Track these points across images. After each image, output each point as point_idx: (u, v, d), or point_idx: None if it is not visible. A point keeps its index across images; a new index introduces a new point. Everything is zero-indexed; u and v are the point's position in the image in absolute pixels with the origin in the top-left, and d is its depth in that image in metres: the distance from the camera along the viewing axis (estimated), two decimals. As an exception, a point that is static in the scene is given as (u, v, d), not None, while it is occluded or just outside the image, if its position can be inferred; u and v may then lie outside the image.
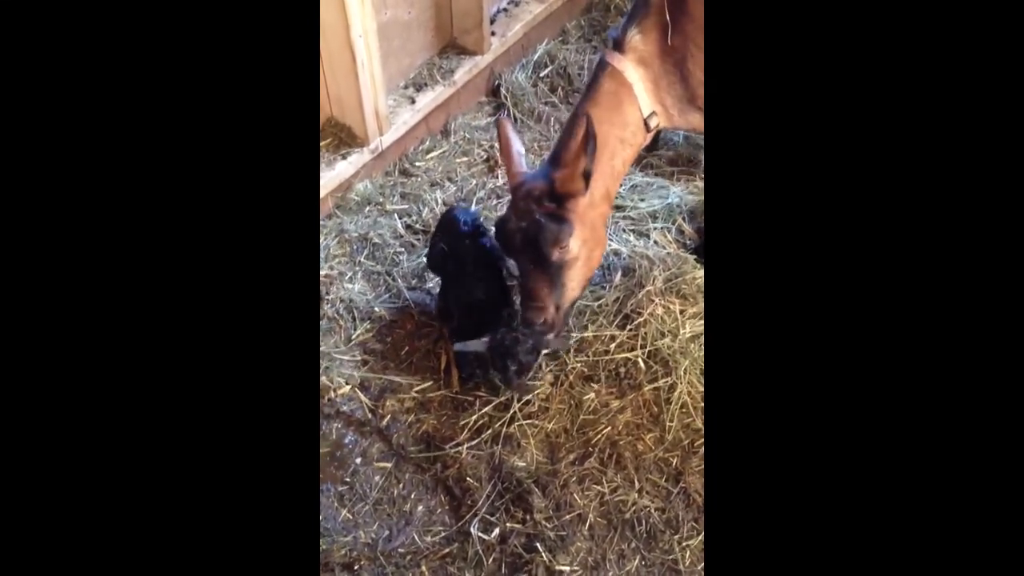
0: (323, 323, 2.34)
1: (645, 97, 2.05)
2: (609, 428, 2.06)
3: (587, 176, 1.87)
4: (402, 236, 2.58)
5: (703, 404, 2.03)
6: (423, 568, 1.89)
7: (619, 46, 2.04)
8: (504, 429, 2.07)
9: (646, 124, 2.07)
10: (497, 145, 2.03)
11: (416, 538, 1.95)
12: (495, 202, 2.67)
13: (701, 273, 2.23)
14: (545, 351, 2.09)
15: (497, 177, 2.74)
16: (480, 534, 1.92)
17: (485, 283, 2.13)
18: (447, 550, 1.92)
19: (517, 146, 2.03)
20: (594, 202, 1.96)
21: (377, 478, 2.05)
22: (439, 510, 2.01)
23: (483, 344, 1.97)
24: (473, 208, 2.57)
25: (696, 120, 2.15)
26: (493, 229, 2.06)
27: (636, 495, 1.95)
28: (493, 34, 2.96)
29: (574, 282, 1.99)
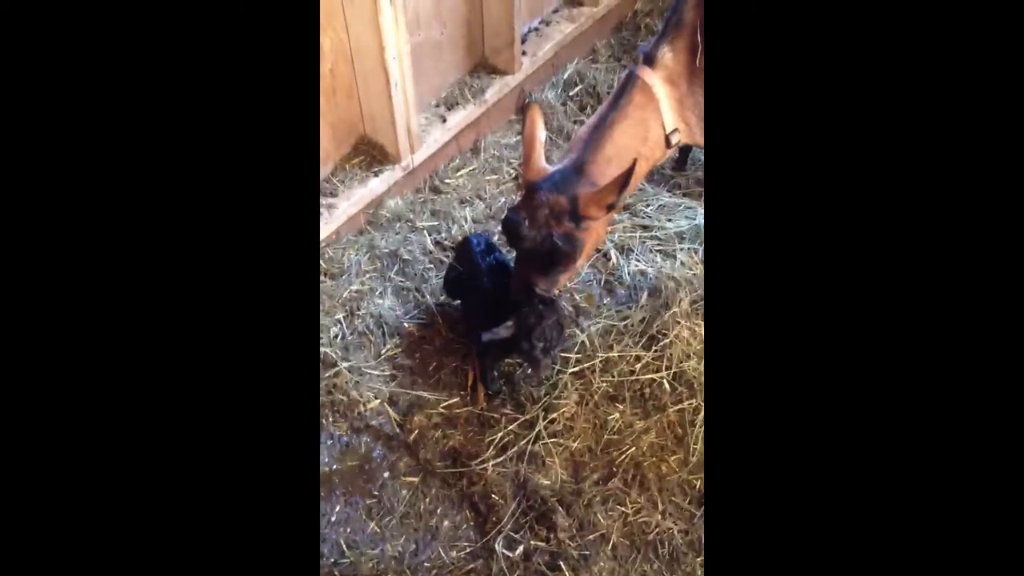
0: (353, 338, 2.39)
1: (670, 114, 2.08)
2: (633, 449, 2.08)
3: (611, 208, 1.90)
4: (431, 252, 2.63)
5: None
6: (448, 583, 1.93)
7: (650, 61, 2.08)
8: (529, 447, 2.10)
9: (667, 140, 2.10)
10: (521, 135, 2.01)
11: (442, 553, 1.98)
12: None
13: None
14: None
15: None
16: (504, 551, 1.96)
17: (501, 287, 2.17)
18: (472, 566, 1.96)
19: (542, 136, 2.03)
20: (605, 218, 2.01)
21: (404, 492, 2.09)
22: (464, 526, 2.04)
23: (509, 328, 2.00)
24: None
25: None
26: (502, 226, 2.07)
27: (659, 517, 1.97)
28: (524, 54, 3.00)
29: (564, 279, 2.09)
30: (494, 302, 2.12)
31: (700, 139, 2.19)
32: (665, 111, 2.07)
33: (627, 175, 1.82)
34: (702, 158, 2.83)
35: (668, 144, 2.11)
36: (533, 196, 1.94)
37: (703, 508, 1.99)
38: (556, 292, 2.07)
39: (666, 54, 2.07)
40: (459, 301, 2.39)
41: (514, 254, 2.09)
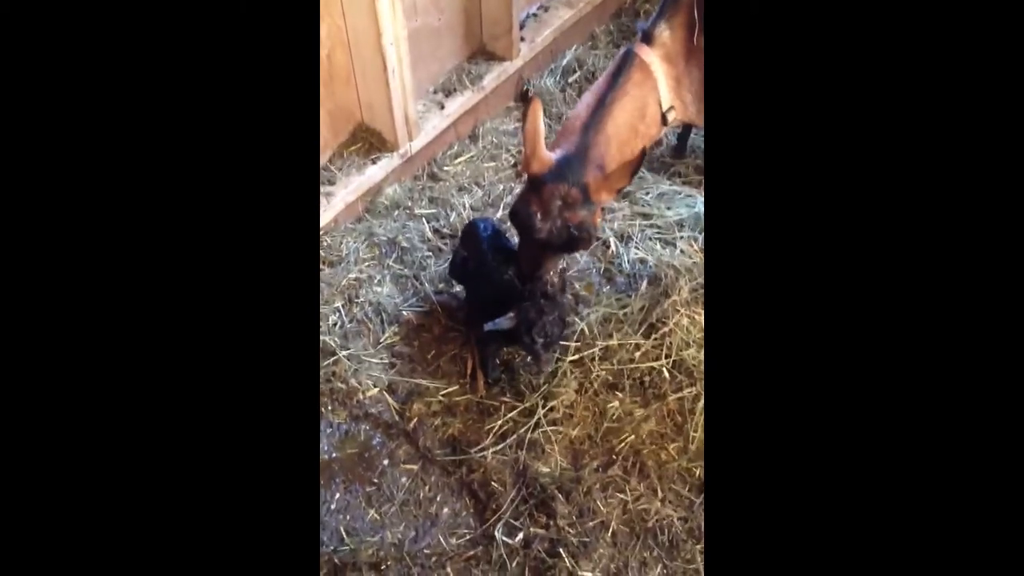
0: (352, 326, 2.38)
1: (666, 92, 2.09)
2: (633, 437, 2.08)
3: (619, 192, 1.91)
4: (430, 240, 2.62)
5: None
6: (448, 569, 1.93)
7: (648, 39, 2.09)
8: (529, 435, 2.10)
9: (664, 117, 2.11)
10: (522, 126, 2.00)
11: (442, 540, 1.99)
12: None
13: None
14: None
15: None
16: (504, 538, 1.96)
17: (507, 271, 2.16)
18: (472, 553, 1.96)
19: (543, 129, 2.01)
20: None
21: (404, 480, 2.10)
22: (464, 513, 2.05)
23: (511, 320, 1.99)
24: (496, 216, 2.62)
25: None
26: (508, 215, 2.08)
27: (659, 504, 1.98)
28: (522, 39, 2.98)
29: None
30: (499, 288, 2.12)
31: (696, 118, 2.21)
32: (662, 89, 2.09)
33: (639, 161, 1.85)
34: (702, 145, 2.81)
35: (664, 121, 2.13)
36: (541, 188, 1.94)
37: (702, 496, 1.99)
38: (558, 279, 2.07)
39: (664, 32, 2.08)
40: (462, 286, 2.38)
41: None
